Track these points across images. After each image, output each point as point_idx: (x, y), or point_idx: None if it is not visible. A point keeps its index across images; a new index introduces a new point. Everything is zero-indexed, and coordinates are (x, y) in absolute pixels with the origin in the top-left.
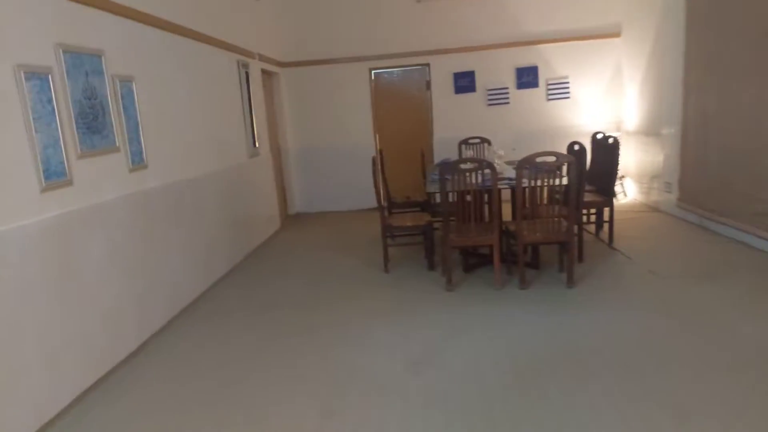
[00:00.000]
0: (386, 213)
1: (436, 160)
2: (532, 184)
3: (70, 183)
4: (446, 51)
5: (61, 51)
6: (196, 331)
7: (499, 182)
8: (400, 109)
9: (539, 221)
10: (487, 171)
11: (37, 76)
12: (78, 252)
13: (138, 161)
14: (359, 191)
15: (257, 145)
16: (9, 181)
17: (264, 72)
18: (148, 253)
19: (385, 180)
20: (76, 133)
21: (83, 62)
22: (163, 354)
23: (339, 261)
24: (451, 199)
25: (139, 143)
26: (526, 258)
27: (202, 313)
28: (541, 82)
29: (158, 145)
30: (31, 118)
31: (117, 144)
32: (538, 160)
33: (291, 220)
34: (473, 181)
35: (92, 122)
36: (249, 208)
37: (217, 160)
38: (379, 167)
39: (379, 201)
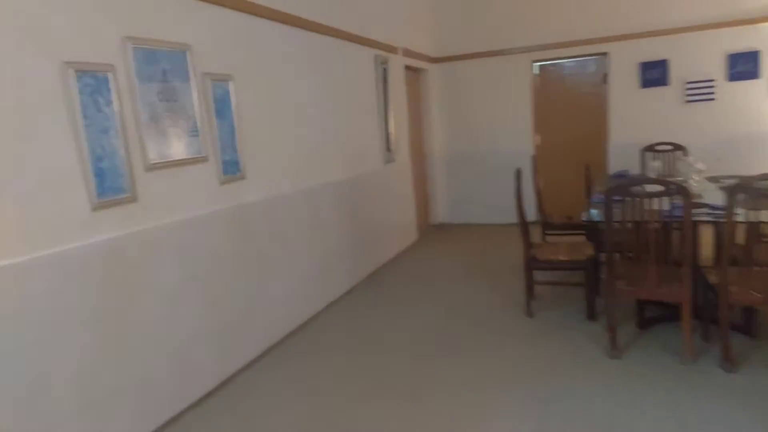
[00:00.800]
0: (538, 236)
1: (611, 170)
2: (751, 217)
3: (133, 199)
4: (630, 36)
5: (130, 45)
6: (282, 372)
7: (695, 212)
8: (568, 109)
9: (759, 272)
10: (676, 197)
11: (93, 75)
12: (140, 279)
13: (232, 171)
14: (509, 202)
15: (395, 149)
16: (50, 199)
17: (409, 68)
18: (239, 278)
19: (539, 193)
20: (145, 141)
21: (160, 59)
22: (238, 397)
23: (473, 293)
24: (621, 229)
25: (235, 151)
26: (734, 319)
27: (299, 346)
28: (765, 71)
29: (262, 152)
30: (81, 124)
31: (204, 153)
32: (761, 183)
33: (432, 231)
34: (655, 208)
35: (169, 128)
36: (380, 219)
37: (343, 168)
38: (534, 177)
39: (522, 223)
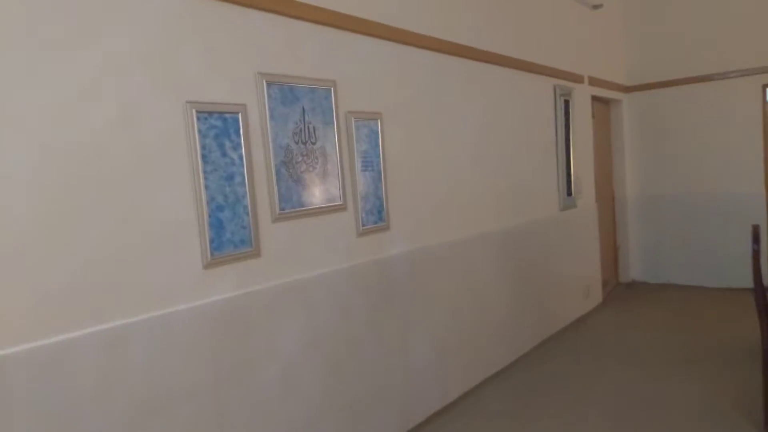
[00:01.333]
0: None
1: None
2: None
3: (256, 254)
4: None
5: (264, 83)
6: None
7: None
8: None
9: None
10: None
11: (220, 117)
12: (254, 346)
13: (374, 221)
14: (728, 261)
15: (576, 192)
16: (156, 253)
17: (597, 99)
18: (372, 344)
19: None
20: (276, 187)
21: (299, 96)
22: None
23: (676, 388)
24: None
25: (378, 198)
26: None
27: None
28: None
29: (409, 199)
30: (201, 170)
31: (342, 200)
32: None
33: (621, 292)
34: None
35: (304, 174)
36: (553, 276)
37: (507, 215)
38: None
39: (759, 294)
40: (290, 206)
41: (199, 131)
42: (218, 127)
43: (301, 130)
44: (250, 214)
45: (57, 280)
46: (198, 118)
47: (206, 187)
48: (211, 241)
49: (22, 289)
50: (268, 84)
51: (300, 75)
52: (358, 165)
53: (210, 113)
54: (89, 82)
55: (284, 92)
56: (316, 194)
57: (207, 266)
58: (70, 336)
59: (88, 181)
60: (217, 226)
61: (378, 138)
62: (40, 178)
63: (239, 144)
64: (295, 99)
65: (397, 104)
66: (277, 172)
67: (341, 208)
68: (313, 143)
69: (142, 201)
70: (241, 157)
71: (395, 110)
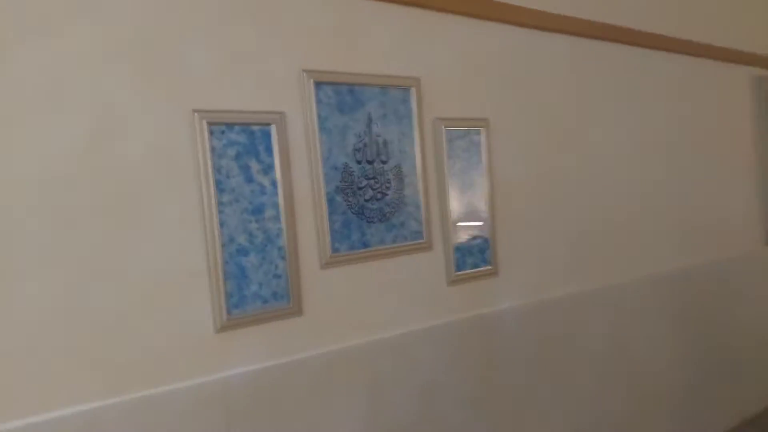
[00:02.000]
0: None
1: None
2: None
3: (295, 311)
4: None
5: (311, 83)
6: None
7: None
8: None
9: None
10: None
11: (242, 130)
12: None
13: (474, 264)
14: None
15: None
16: (149, 314)
17: None
18: (472, 427)
19: None
20: (327, 222)
21: (363, 101)
22: None
23: None
24: None
25: (481, 233)
26: None
27: None
28: None
29: (530, 234)
30: (213, 201)
31: (425, 237)
32: None
33: None
34: None
35: (370, 202)
36: (751, 338)
37: (681, 252)
38: None
39: None
40: (348, 246)
41: (212, 149)
42: (241, 143)
43: (365, 146)
44: (287, 258)
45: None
46: (211, 132)
47: (222, 224)
48: (229, 296)
49: None
50: (317, 84)
51: (365, 72)
52: (450, 189)
53: (229, 125)
54: (49, 84)
55: (341, 95)
56: (388, 229)
57: (222, 329)
58: (33, 421)
59: (45, 222)
60: (237, 275)
61: (481, 153)
62: None
63: (272, 166)
64: (357, 104)
65: (511, 108)
66: (330, 202)
67: (424, 247)
68: (384, 162)
69: (126, 246)
70: (274, 183)
71: (509, 116)
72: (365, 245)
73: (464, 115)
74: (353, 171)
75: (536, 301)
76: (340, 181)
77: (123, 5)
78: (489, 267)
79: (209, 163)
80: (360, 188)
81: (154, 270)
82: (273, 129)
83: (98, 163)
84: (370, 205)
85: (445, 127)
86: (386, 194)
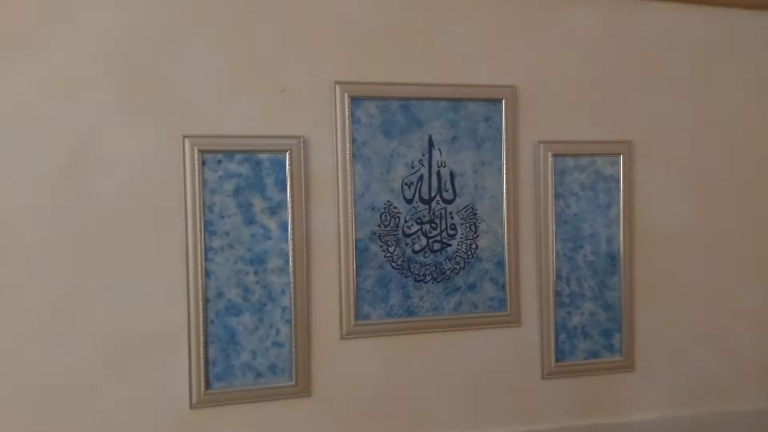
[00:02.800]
0: None
1: None
2: None
3: (301, 391)
4: None
5: (346, 98)
6: None
7: None
8: None
9: None
10: None
11: (246, 159)
12: None
13: (595, 351)
14: None
15: None
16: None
17: None
18: None
19: None
20: (352, 278)
21: (422, 119)
22: None
23: None
24: None
25: (607, 305)
26: None
27: None
28: None
29: (691, 312)
30: (199, 244)
31: (509, 308)
32: None
33: None
34: None
35: (419, 254)
36: None
37: None
38: None
39: None
40: (383, 313)
41: (204, 183)
42: (242, 175)
43: (421, 179)
44: (294, 322)
45: None
46: (203, 162)
47: (208, 273)
48: (210, 365)
49: None
50: (355, 100)
51: (425, 82)
52: (555, 241)
53: (228, 153)
54: (19, 111)
55: (389, 113)
56: (448, 293)
57: (197, 404)
58: None
59: (5, 263)
60: (224, 339)
61: (616, 190)
62: None
63: (283, 204)
64: (412, 124)
65: (675, 124)
66: (361, 252)
67: (507, 320)
68: (448, 201)
69: (92, 295)
70: (284, 226)
71: (669, 136)
72: (410, 312)
73: (588, 137)
74: (399, 212)
75: (699, 415)
76: (379, 225)
77: (100, 14)
78: (619, 358)
79: (198, 199)
80: (408, 235)
81: (122, 324)
82: (287, 157)
83: (69, 201)
84: (422, 258)
85: (553, 154)
86: (448, 245)
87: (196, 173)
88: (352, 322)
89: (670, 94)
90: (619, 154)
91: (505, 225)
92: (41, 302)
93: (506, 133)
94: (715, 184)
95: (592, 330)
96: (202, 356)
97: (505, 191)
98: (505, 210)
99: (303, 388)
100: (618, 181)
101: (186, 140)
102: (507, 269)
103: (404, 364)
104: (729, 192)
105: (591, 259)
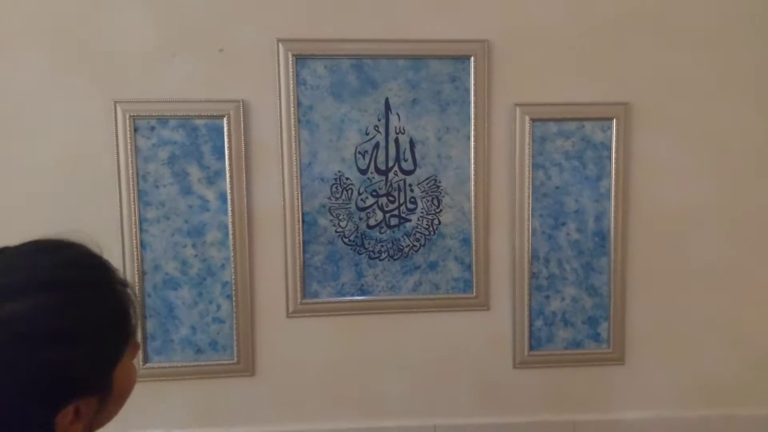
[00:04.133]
0: None
1: None
2: None
3: (243, 369)
4: None
5: (290, 58)
6: None
7: None
8: None
9: None
10: None
11: (181, 125)
12: None
13: (578, 341)
14: None
15: None
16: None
17: None
18: None
19: None
20: (299, 252)
21: (377, 80)
22: None
23: None
24: None
25: (592, 288)
26: None
27: None
28: None
29: (693, 299)
30: (135, 216)
31: (475, 289)
32: None
33: None
34: None
35: (374, 230)
36: None
37: None
38: None
39: None
40: (333, 291)
41: (137, 150)
42: (177, 142)
43: (377, 146)
44: (236, 297)
45: None
46: (136, 129)
47: (144, 245)
48: (148, 338)
49: None
50: (300, 60)
51: (384, 37)
52: (532, 216)
53: (162, 119)
54: None
55: (340, 73)
56: (406, 272)
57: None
58: None
59: None
60: (162, 313)
61: (608, 160)
62: None
63: (221, 173)
64: (367, 85)
65: (679, 84)
66: (309, 226)
67: (473, 303)
68: (408, 171)
69: None
70: (222, 197)
71: (671, 98)
72: (363, 291)
73: (575, 98)
74: (352, 184)
75: (705, 418)
76: (329, 197)
77: None
78: (606, 349)
79: (131, 167)
80: (362, 209)
81: None
82: (225, 123)
83: (4, 169)
84: (378, 234)
85: (532, 118)
86: (407, 219)
87: (128, 140)
88: (299, 300)
89: (677, 46)
90: (612, 119)
91: (473, 199)
92: None
93: (475, 95)
94: (728, 155)
95: (575, 317)
96: (141, 330)
97: (473, 161)
98: (472, 182)
99: (246, 366)
100: (610, 150)
101: (117, 105)
102: (474, 247)
103: (357, 345)
104: (745, 164)
105: (575, 238)
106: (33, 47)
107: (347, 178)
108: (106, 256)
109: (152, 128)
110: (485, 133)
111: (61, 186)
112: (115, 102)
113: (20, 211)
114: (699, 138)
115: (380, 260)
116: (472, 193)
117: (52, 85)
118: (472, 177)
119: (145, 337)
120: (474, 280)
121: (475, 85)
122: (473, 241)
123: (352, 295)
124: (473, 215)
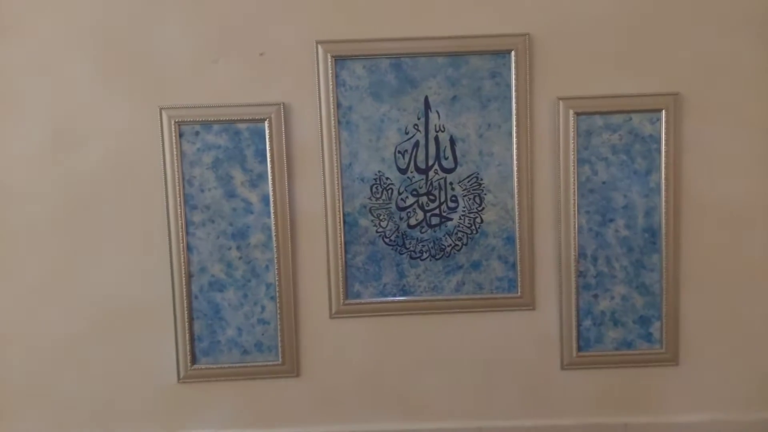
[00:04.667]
0: None
1: None
2: None
3: (288, 371)
4: None
5: (329, 59)
6: None
7: None
8: None
9: None
10: None
11: (224, 129)
12: None
13: (628, 341)
14: None
15: None
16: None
17: None
18: None
19: None
20: (341, 255)
21: (416, 78)
22: None
23: None
24: None
25: (651, 289)
26: None
27: None
28: None
29: (756, 299)
30: (182, 219)
31: (522, 289)
32: None
33: None
34: None
35: (415, 230)
36: None
37: None
38: None
39: None
40: (375, 291)
41: (183, 155)
42: (221, 147)
43: (417, 145)
44: (280, 299)
45: None
46: (181, 135)
47: (190, 248)
48: (196, 340)
49: None
50: (339, 61)
51: (419, 35)
52: (578, 213)
53: (205, 124)
54: (4, 87)
55: (379, 73)
56: (449, 272)
57: (185, 378)
58: None
59: None
60: (209, 315)
61: (658, 153)
62: None
63: (263, 176)
64: (406, 84)
65: (733, 73)
66: (350, 227)
67: (518, 303)
68: (448, 169)
69: (78, 268)
70: (265, 199)
71: (725, 88)
72: (405, 292)
73: (621, 90)
74: (392, 183)
75: (758, 421)
76: (369, 198)
77: None
78: (659, 349)
79: (177, 172)
80: (402, 208)
81: (109, 298)
82: (267, 126)
83: (55, 176)
84: (418, 233)
85: (576, 112)
86: (449, 219)
87: (174, 146)
88: (342, 301)
89: (727, 32)
90: (661, 110)
91: (516, 196)
92: (32, 277)
93: (517, 90)
94: None
95: (625, 317)
96: (187, 331)
97: (516, 157)
98: (516, 179)
99: (291, 367)
100: (659, 142)
101: (163, 112)
102: (518, 246)
103: (400, 346)
104: None
105: (624, 234)
106: (83, 59)
107: (387, 178)
108: (154, 259)
109: (196, 133)
110: (528, 129)
111: (111, 191)
112: (161, 108)
113: (71, 215)
114: (753, 128)
115: (422, 260)
116: (516, 190)
117: (101, 94)
118: (515, 174)
119: (192, 339)
120: (519, 279)
121: (516, 79)
122: (517, 240)
123: (394, 295)
124: (517, 213)
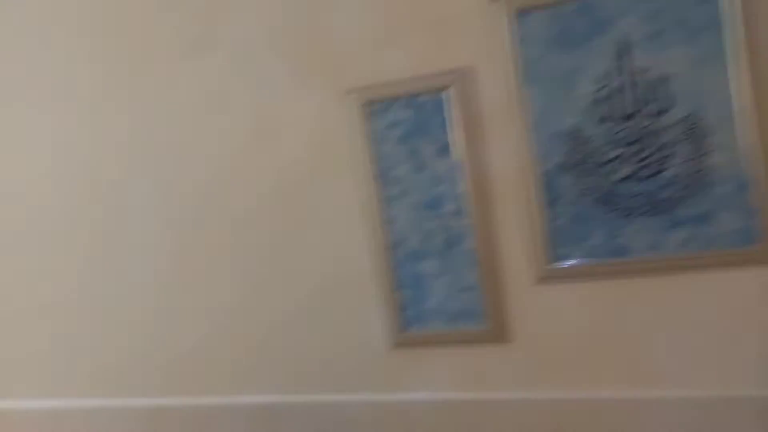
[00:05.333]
0: None
1: None
2: None
3: (497, 337)
4: None
5: (509, 13)
6: None
7: None
8: None
9: None
10: None
11: (407, 103)
12: None
13: None
14: None
15: None
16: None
17: None
18: None
19: None
20: (542, 217)
21: (610, 18)
22: None
23: None
24: None
25: None
26: None
27: None
28: None
29: None
30: (376, 194)
31: (764, 241)
32: None
33: None
34: None
35: (623, 184)
36: None
37: None
38: None
39: None
40: (585, 253)
41: (373, 135)
42: (406, 121)
43: (617, 90)
44: (480, 266)
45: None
46: (370, 114)
47: (389, 221)
48: (403, 309)
49: None
50: (520, 14)
51: None
52: None
53: (390, 100)
54: (211, 86)
55: (565, 19)
56: (669, 228)
57: (397, 345)
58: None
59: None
60: (412, 284)
61: None
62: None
63: (453, 142)
64: (595, 27)
65: None
66: (548, 187)
67: (760, 258)
68: (656, 114)
69: (289, 247)
70: (456, 168)
71: None
72: (617, 253)
73: None
74: (589, 136)
75: None
76: (566, 154)
77: None
78: None
79: (369, 152)
80: (605, 162)
81: (315, 274)
82: (448, 95)
83: (262, 164)
84: (629, 187)
85: None
86: (664, 168)
87: (361, 126)
88: (547, 266)
89: None
90: None
91: (749, 135)
92: (248, 259)
93: (741, 14)
94: None
95: None
96: (395, 301)
97: (737, 92)
98: (744, 115)
99: (498, 333)
100: None
101: (349, 94)
102: (755, 192)
103: (617, 310)
104: None
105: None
106: (269, 56)
107: (584, 131)
108: (356, 236)
109: (384, 110)
110: (753, 56)
111: (306, 175)
112: (347, 91)
113: (275, 203)
114: None
115: (635, 217)
116: (747, 128)
117: (291, 85)
118: (741, 110)
119: (399, 308)
120: (759, 230)
121: (728, 3)
122: (753, 184)
123: (605, 257)
124: (750, 153)
